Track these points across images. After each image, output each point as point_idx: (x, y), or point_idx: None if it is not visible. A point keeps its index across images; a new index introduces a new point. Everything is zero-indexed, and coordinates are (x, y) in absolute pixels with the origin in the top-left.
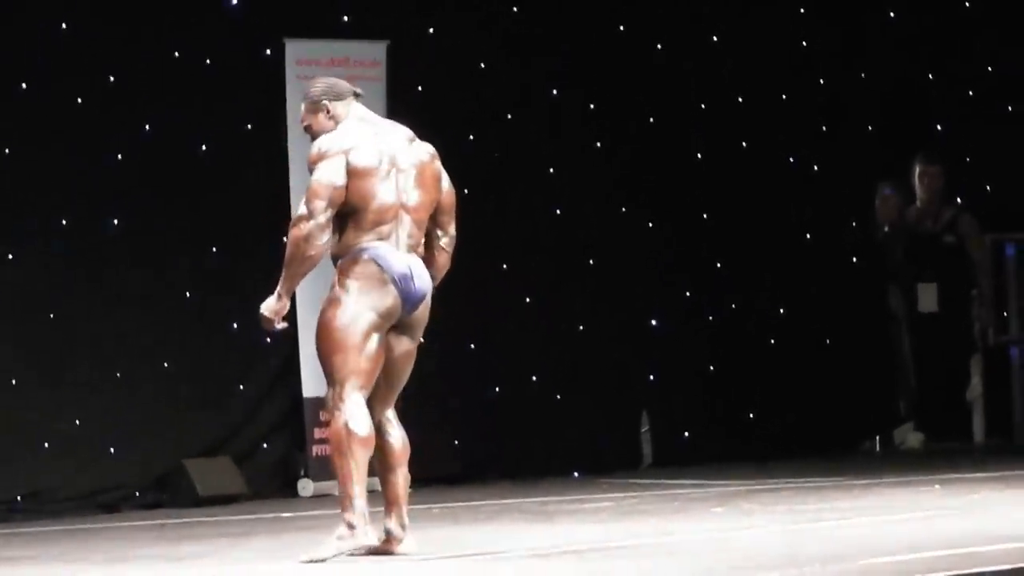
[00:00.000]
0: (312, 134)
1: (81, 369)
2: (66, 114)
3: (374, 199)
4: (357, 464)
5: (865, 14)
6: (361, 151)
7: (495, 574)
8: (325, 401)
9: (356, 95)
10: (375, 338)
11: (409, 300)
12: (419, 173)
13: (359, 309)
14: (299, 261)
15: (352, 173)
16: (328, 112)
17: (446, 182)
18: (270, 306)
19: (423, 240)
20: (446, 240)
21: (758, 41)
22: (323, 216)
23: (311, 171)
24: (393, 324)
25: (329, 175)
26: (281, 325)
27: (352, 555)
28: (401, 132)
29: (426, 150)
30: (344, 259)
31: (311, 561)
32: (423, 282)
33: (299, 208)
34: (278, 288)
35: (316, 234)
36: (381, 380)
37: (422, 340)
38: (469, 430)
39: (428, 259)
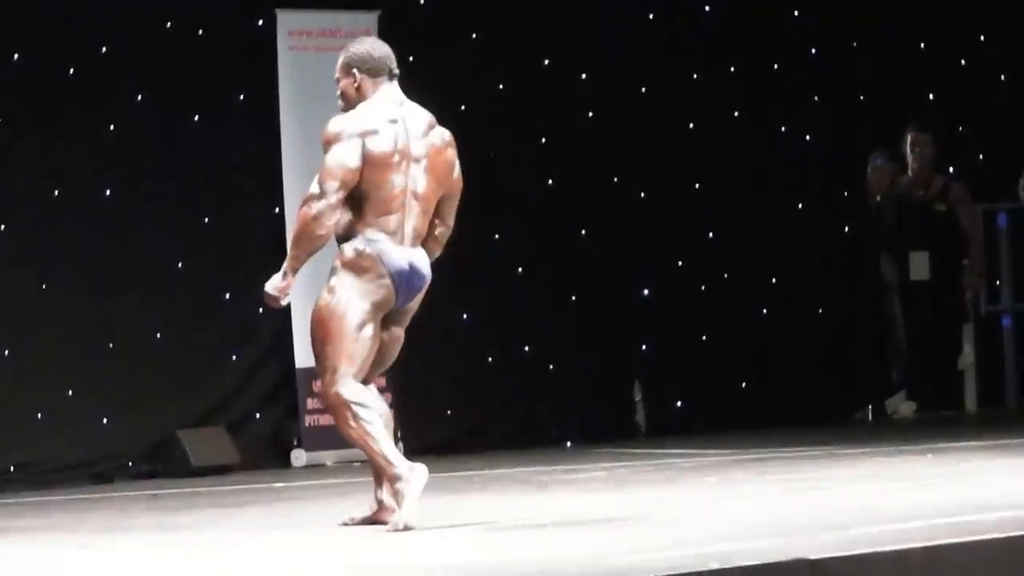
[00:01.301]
0: (340, 93)
1: (74, 339)
2: (58, 84)
3: (383, 187)
4: (366, 421)
5: None
6: (377, 137)
7: (488, 544)
8: (316, 391)
9: (392, 75)
10: (369, 328)
11: (404, 294)
12: (431, 160)
13: (354, 299)
14: (308, 240)
15: (366, 158)
16: (355, 81)
17: (456, 171)
18: (275, 284)
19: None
20: (442, 230)
21: (750, 11)
22: (335, 197)
23: (325, 150)
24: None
25: (344, 156)
26: (285, 302)
27: (346, 525)
28: (421, 117)
29: (441, 136)
30: (346, 246)
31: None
32: (421, 278)
33: (311, 187)
34: (284, 266)
35: (327, 214)
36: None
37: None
38: (462, 400)
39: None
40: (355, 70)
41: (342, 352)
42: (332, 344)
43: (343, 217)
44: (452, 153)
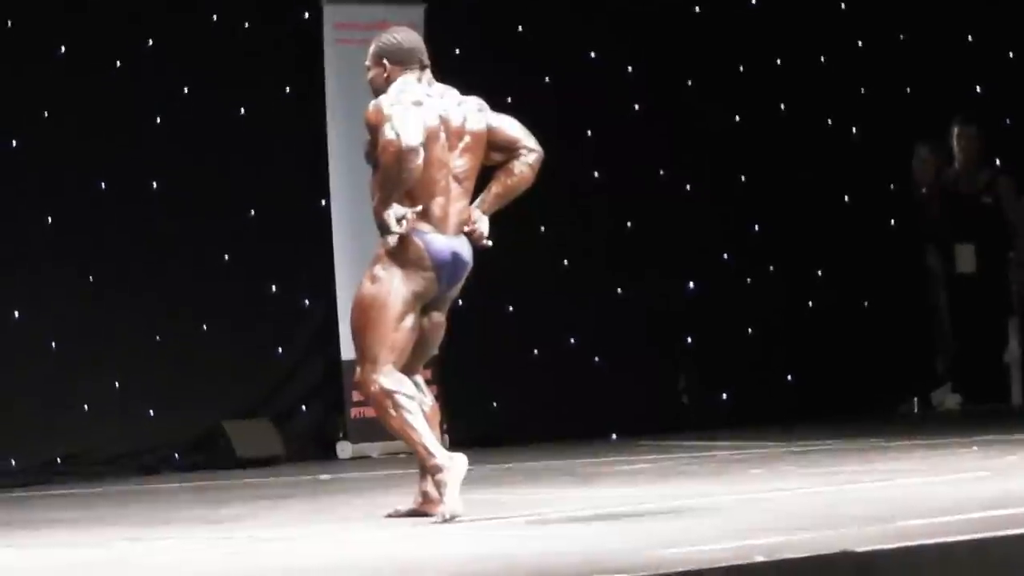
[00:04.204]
0: (369, 81)
1: (120, 331)
2: (104, 78)
3: (430, 164)
4: (407, 410)
5: None
6: (423, 109)
7: (533, 536)
8: (356, 379)
9: (422, 66)
10: (410, 317)
11: (447, 282)
12: (466, 142)
13: (397, 288)
14: (392, 185)
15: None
16: (385, 71)
17: (496, 119)
18: (385, 219)
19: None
20: (534, 157)
21: (796, 3)
22: (414, 139)
23: (378, 123)
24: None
25: (408, 112)
26: (402, 228)
27: (391, 517)
28: (452, 94)
29: (472, 107)
30: (390, 236)
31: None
32: (464, 267)
33: (385, 133)
34: (377, 205)
35: (408, 158)
36: (411, 350)
37: (459, 301)
38: (507, 392)
39: (508, 171)
40: (385, 60)
41: (383, 341)
42: (373, 333)
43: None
44: (483, 117)
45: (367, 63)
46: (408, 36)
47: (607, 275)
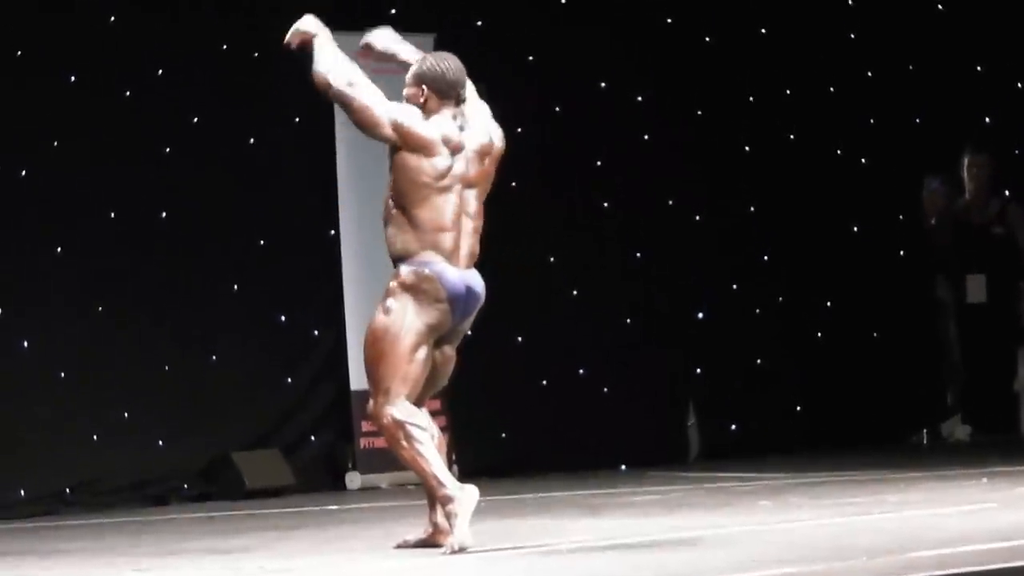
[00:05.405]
0: (404, 99)
1: (129, 361)
2: (113, 107)
3: (441, 202)
4: (418, 441)
5: (913, 5)
6: (439, 158)
7: (542, 567)
8: (368, 411)
9: (459, 100)
10: (423, 350)
11: (460, 315)
12: (483, 185)
13: (410, 320)
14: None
15: (424, 179)
16: (422, 95)
17: (499, 139)
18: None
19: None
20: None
21: (806, 33)
22: (356, 99)
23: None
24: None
25: (400, 111)
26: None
27: (400, 547)
28: (479, 138)
29: (492, 151)
30: (404, 267)
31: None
32: (476, 300)
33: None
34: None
35: (337, 90)
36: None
37: (468, 332)
38: (516, 423)
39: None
40: (424, 85)
41: (396, 373)
42: (386, 364)
43: (397, 237)
44: (498, 147)
45: (407, 78)
46: (454, 67)
47: (616, 305)
